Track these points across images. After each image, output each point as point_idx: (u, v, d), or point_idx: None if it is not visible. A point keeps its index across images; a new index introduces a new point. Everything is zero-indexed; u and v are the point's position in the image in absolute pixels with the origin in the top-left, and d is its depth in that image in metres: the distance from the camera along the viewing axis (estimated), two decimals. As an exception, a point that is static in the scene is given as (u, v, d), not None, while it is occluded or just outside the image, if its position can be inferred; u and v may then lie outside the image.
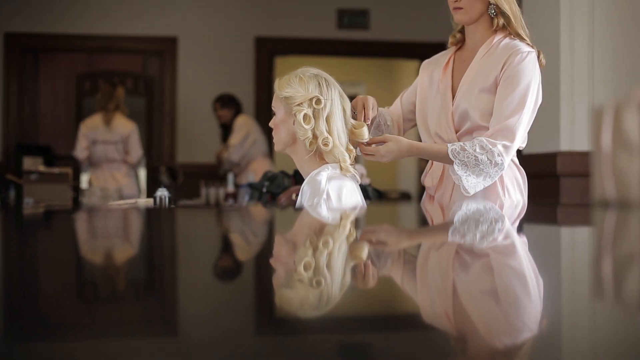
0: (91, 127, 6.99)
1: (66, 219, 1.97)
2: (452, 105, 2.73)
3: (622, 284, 0.85)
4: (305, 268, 0.97)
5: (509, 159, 2.63)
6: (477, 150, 2.58)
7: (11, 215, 2.41)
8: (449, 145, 2.61)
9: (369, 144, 2.63)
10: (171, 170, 7.46)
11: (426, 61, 2.96)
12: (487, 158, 2.57)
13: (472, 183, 2.60)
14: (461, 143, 2.61)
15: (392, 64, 11.65)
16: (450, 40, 2.87)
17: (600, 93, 4.28)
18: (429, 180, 2.84)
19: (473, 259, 1.11)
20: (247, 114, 7.83)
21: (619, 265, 0.97)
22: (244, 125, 7.33)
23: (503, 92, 2.63)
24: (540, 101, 2.69)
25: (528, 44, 2.69)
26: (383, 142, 2.62)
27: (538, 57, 2.70)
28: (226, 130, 7.47)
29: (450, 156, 2.59)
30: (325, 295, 0.82)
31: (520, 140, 2.64)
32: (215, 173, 7.48)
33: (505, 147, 2.58)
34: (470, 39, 2.79)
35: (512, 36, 2.72)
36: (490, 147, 2.57)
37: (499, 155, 2.57)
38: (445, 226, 1.77)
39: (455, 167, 2.59)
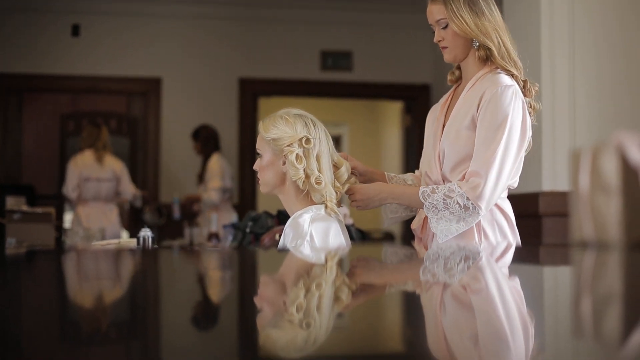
0: (82, 165, 7.00)
1: (49, 260, 1.97)
2: (439, 144, 2.65)
3: (598, 326, 0.87)
4: (298, 309, 0.97)
5: (487, 201, 2.50)
6: (446, 192, 2.51)
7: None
8: (421, 187, 2.57)
9: (351, 190, 2.64)
10: (158, 210, 7.44)
11: (433, 106, 2.87)
12: (456, 201, 2.48)
13: (442, 228, 2.54)
14: (433, 186, 2.56)
15: (375, 105, 11.72)
16: (449, 77, 2.79)
17: (581, 135, 4.33)
18: (415, 222, 2.80)
19: (456, 300, 1.12)
20: (228, 153, 7.84)
21: (594, 308, 0.98)
22: (219, 167, 7.28)
23: (478, 133, 2.53)
24: (529, 134, 2.56)
25: (514, 76, 2.57)
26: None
27: (525, 86, 2.59)
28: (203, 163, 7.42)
29: (421, 198, 2.54)
30: (312, 336, 0.83)
31: (500, 181, 2.49)
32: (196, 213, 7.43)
33: (474, 189, 2.48)
34: (464, 75, 2.71)
35: (498, 69, 2.60)
36: (458, 189, 2.49)
37: (468, 199, 2.48)
38: (418, 264, 1.78)
39: (425, 209, 2.55)
